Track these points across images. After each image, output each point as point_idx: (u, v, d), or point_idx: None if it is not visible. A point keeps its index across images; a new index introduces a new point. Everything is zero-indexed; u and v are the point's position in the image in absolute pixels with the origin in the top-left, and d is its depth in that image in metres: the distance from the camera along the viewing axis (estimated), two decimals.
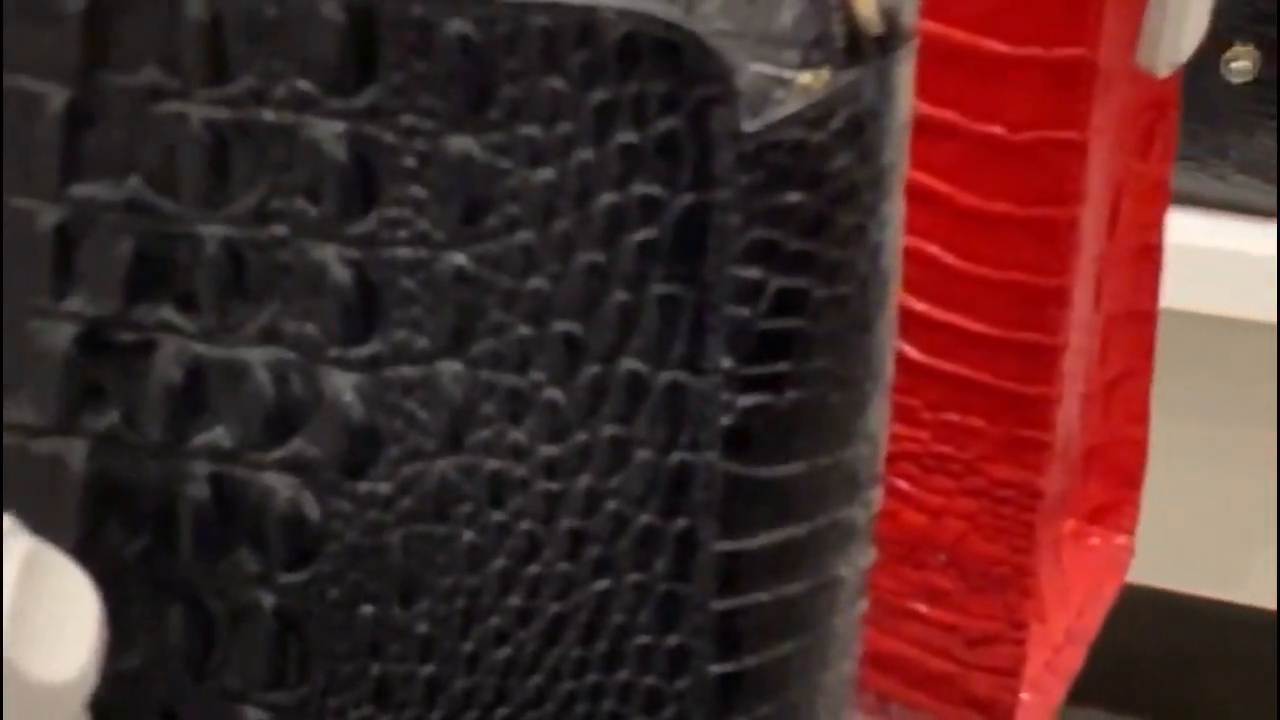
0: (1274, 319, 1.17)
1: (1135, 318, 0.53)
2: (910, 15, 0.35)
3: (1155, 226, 0.53)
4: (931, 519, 0.49)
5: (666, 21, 0.34)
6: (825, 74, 0.35)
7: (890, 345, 0.37)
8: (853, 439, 0.37)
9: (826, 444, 0.36)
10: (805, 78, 0.35)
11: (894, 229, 0.36)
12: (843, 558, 0.38)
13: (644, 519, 0.36)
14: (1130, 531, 0.55)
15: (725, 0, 0.39)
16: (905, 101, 0.36)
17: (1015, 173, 0.46)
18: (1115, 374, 0.54)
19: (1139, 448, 0.55)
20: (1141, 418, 0.54)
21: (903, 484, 0.49)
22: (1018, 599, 0.49)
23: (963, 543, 0.49)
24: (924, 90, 0.46)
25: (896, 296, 0.37)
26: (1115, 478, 0.55)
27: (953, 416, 0.48)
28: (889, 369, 0.37)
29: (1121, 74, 0.48)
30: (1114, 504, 0.55)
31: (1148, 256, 0.53)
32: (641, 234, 0.35)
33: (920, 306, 0.48)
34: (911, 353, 0.48)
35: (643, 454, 0.36)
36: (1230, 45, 1.15)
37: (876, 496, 0.38)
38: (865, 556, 0.38)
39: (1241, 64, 1.14)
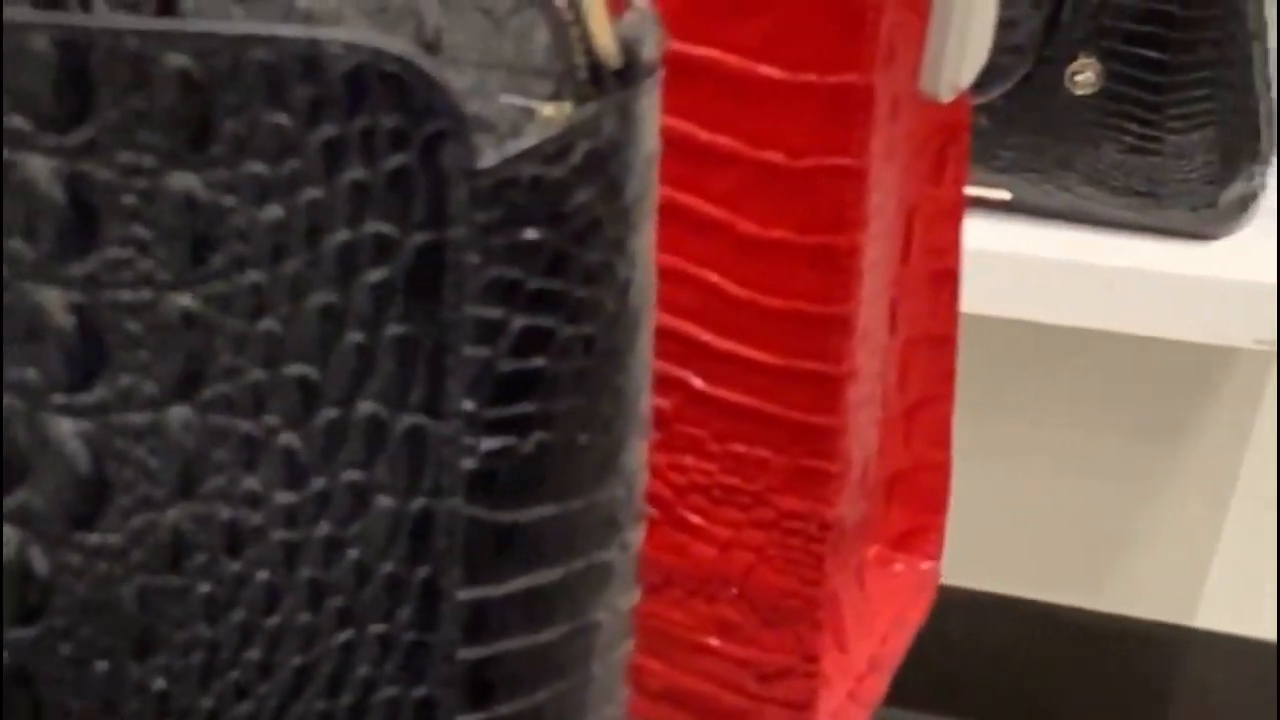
0: (1129, 328, 1.17)
1: (934, 342, 0.53)
2: (653, 47, 0.34)
3: (951, 250, 0.52)
4: (721, 552, 0.48)
5: (394, 55, 0.33)
6: (566, 107, 0.34)
7: (645, 383, 0.36)
8: (607, 480, 0.36)
9: (578, 486, 0.35)
10: (548, 110, 0.35)
11: (644, 265, 0.35)
12: (600, 601, 0.37)
13: (386, 567, 0.35)
14: (935, 557, 0.55)
15: (476, 31, 0.38)
16: (650, 134, 0.35)
17: (795, 200, 0.45)
18: (915, 399, 0.53)
19: (942, 472, 0.54)
20: (943, 442, 0.54)
21: (693, 517, 0.48)
22: (809, 631, 0.48)
23: (753, 575, 0.48)
24: (702, 116, 0.45)
25: (651, 333, 0.36)
26: (919, 503, 0.54)
27: (740, 447, 0.47)
28: (645, 407, 0.36)
29: (909, 98, 0.48)
30: (918, 530, 0.54)
31: (944, 281, 0.52)
32: (375, 274, 0.34)
33: (704, 336, 0.47)
34: (697, 383, 0.47)
35: (383, 500, 0.35)
36: (1074, 57, 1.15)
37: (636, 537, 0.37)
38: (626, 598, 0.37)
39: (1085, 76, 1.15)
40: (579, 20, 0.34)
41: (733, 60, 0.45)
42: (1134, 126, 1.15)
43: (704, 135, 0.45)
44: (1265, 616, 1.31)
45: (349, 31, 0.33)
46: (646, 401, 0.36)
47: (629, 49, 0.34)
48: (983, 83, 1.17)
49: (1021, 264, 1.19)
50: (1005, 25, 1.18)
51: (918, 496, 0.54)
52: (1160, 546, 1.33)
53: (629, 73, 0.34)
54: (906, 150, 0.50)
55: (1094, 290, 1.15)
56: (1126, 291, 1.14)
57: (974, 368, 1.35)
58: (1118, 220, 1.17)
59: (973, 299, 1.17)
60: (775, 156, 0.45)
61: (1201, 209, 1.16)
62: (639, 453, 0.36)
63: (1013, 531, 1.35)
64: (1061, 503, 1.33)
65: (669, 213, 0.46)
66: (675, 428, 0.47)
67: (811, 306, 0.46)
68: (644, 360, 0.36)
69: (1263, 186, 1.19)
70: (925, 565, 0.54)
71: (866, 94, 0.45)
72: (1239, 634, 1.33)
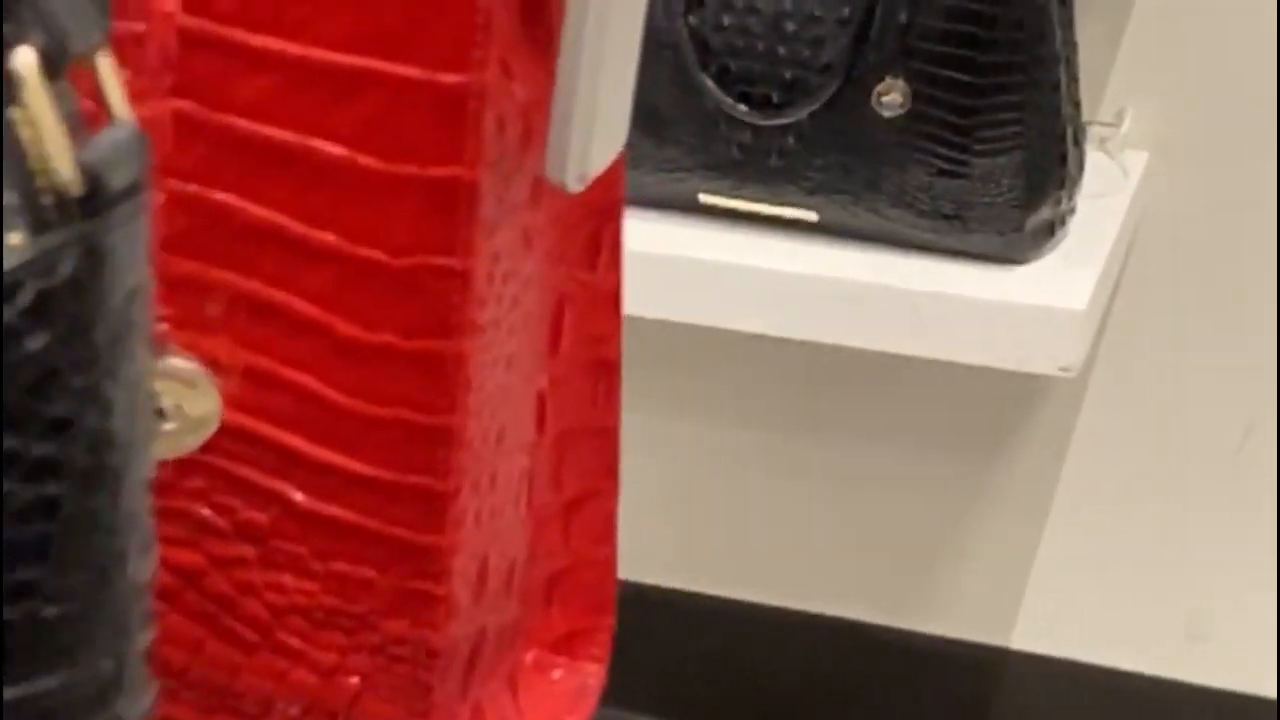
0: (933, 353, 1.15)
1: (594, 434, 0.49)
2: (131, 172, 0.31)
3: (610, 339, 0.49)
4: (324, 679, 0.45)
5: None
6: (16, 238, 0.30)
7: (141, 541, 0.32)
8: (86, 656, 0.32)
9: (48, 664, 0.31)
10: (14, 239, 0.31)
11: (126, 412, 0.32)
12: None
13: None
14: (602, 660, 0.51)
15: None
16: (130, 267, 0.31)
17: (397, 301, 0.42)
18: (574, 495, 0.50)
19: (606, 569, 0.51)
20: (607, 538, 0.50)
21: (293, 640, 0.44)
22: None
23: (358, 705, 0.44)
24: (297, 209, 0.42)
25: (145, 485, 0.32)
26: (583, 603, 0.51)
27: (342, 567, 0.44)
28: (142, 568, 0.32)
29: (549, 184, 0.44)
30: (583, 631, 0.51)
31: (604, 371, 0.49)
32: None
33: (302, 446, 0.43)
34: (296, 497, 0.43)
35: None
36: (882, 78, 1.12)
37: (136, 712, 0.33)
38: None
39: (892, 97, 1.12)
40: (38, 140, 0.30)
41: (331, 149, 0.41)
42: (942, 149, 1.13)
43: (298, 229, 0.42)
44: (1082, 638, 1.30)
45: None
46: (144, 561, 0.32)
47: (95, 175, 0.30)
48: (789, 102, 1.15)
49: (827, 286, 1.16)
50: (812, 44, 1.15)
51: (581, 596, 0.51)
52: (976, 568, 1.31)
53: (95, 202, 0.30)
54: (554, 235, 0.47)
55: (899, 315, 1.12)
56: (932, 316, 1.12)
57: (783, 387, 1.33)
58: (925, 243, 1.14)
59: (778, 321, 1.14)
60: (375, 254, 0.42)
61: (1008, 233, 1.14)
62: (135, 620, 0.33)
63: (829, 552, 1.33)
64: (876, 524, 1.31)
65: (260, 311, 0.42)
66: (273, 544, 0.44)
67: (416, 416, 0.42)
68: (136, 517, 0.32)
69: (1071, 211, 1.17)
70: (589, 669, 0.51)
71: (471, 189, 0.41)
72: (1055, 655, 1.32)
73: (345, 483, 0.43)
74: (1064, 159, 1.12)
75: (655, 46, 1.12)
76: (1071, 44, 1.13)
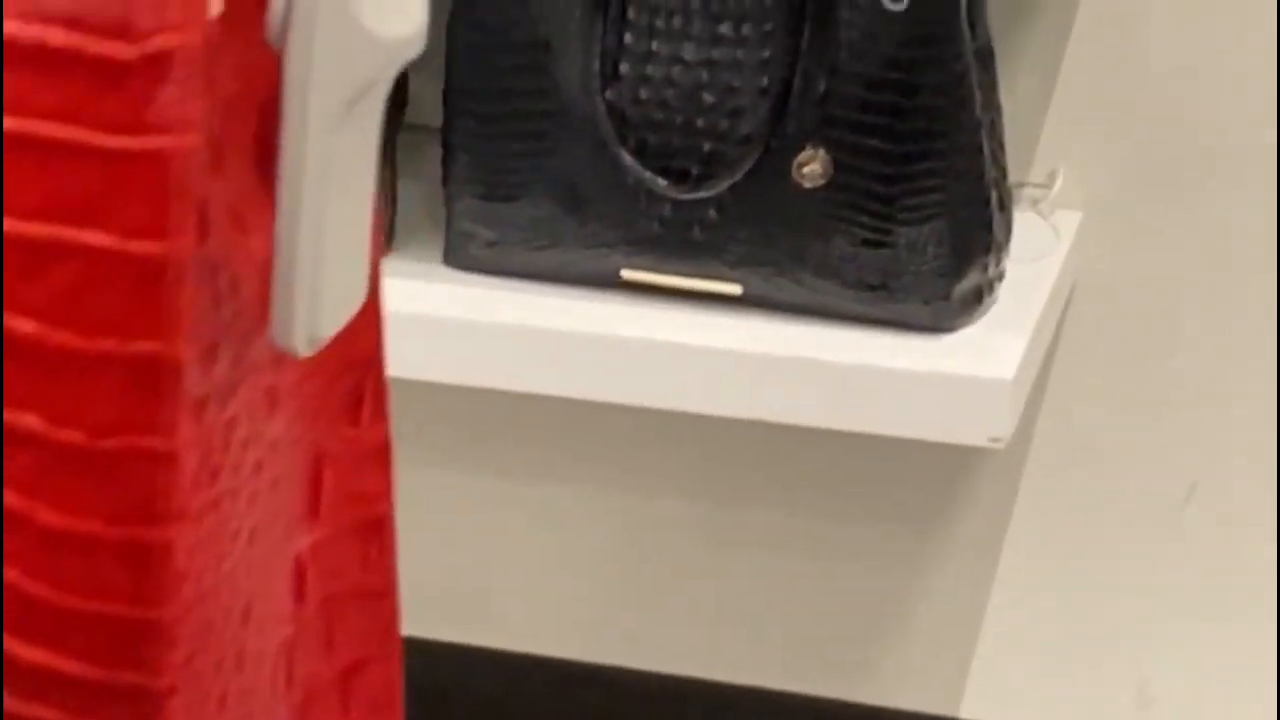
0: (860, 427, 1.12)
1: (366, 598, 0.47)
2: None
3: (382, 497, 0.46)
4: None
5: None
6: None
7: None
8: None
9: None
10: None
11: None
12: None
13: None
14: None
15: None
16: None
17: (100, 487, 0.39)
18: (348, 663, 0.47)
19: None
20: (390, 707, 0.47)
21: None
22: None
23: None
24: None
25: None
26: None
27: None
28: None
29: None
30: None
31: (374, 530, 0.46)
32: None
33: (6, 643, 0.40)
34: (4, 700, 0.41)
35: None
36: (802, 149, 1.09)
37: None
38: None
39: (813, 168, 1.09)
40: None
41: (24, 324, 0.39)
42: (865, 219, 1.10)
43: None
44: (1031, 707, 1.27)
45: None
46: None
47: None
48: (709, 174, 1.12)
49: (751, 362, 1.13)
50: (731, 115, 1.12)
51: None
52: (923, 637, 1.28)
53: None
54: (309, 391, 0.44)
55: (824, 389, 1.10)
56: (857, 390, 1.09)
57: (725, 461, 1.31)
58: (851, 314, 1.11)
59: (703, 398, 1.11)
60: (75, 436, 0.39)
61: (935, 302, 1.11)
62: None
63: (773, 624, 1.30)
64: (821, 595, 1.28)
65: None
66: None
67: (124, 610, 0.39)
68: None
69: (999, 276, 1.14)
70: None
71: (172, 366, 0.38)
72: None
73: (53, 683, 0.40)
74: (990, 225, 1.09)
75: (573, 121, 1.09)
76: (995, 108, 1.11)
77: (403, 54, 0.40)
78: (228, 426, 0.41)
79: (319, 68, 0.38)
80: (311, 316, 0.40)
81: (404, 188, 1.16)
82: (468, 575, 1.32)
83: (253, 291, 0.41)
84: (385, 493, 0.46)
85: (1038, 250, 1.18)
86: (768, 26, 1.08)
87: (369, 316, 0.44)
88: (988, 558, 1.27)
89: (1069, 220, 1.19)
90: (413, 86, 1.20)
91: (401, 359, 1.11)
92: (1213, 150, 1.16)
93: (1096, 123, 1.18)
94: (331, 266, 0.40)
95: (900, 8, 1.06)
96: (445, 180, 1.13)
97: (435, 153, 1.12)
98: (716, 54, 1.10)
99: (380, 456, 0.46)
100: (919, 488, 1.27)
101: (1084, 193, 1.19)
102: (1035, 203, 1.20)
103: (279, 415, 0.42)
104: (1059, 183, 1.19)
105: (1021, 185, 1.22)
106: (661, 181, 1.11)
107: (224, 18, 0.39)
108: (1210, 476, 1.20)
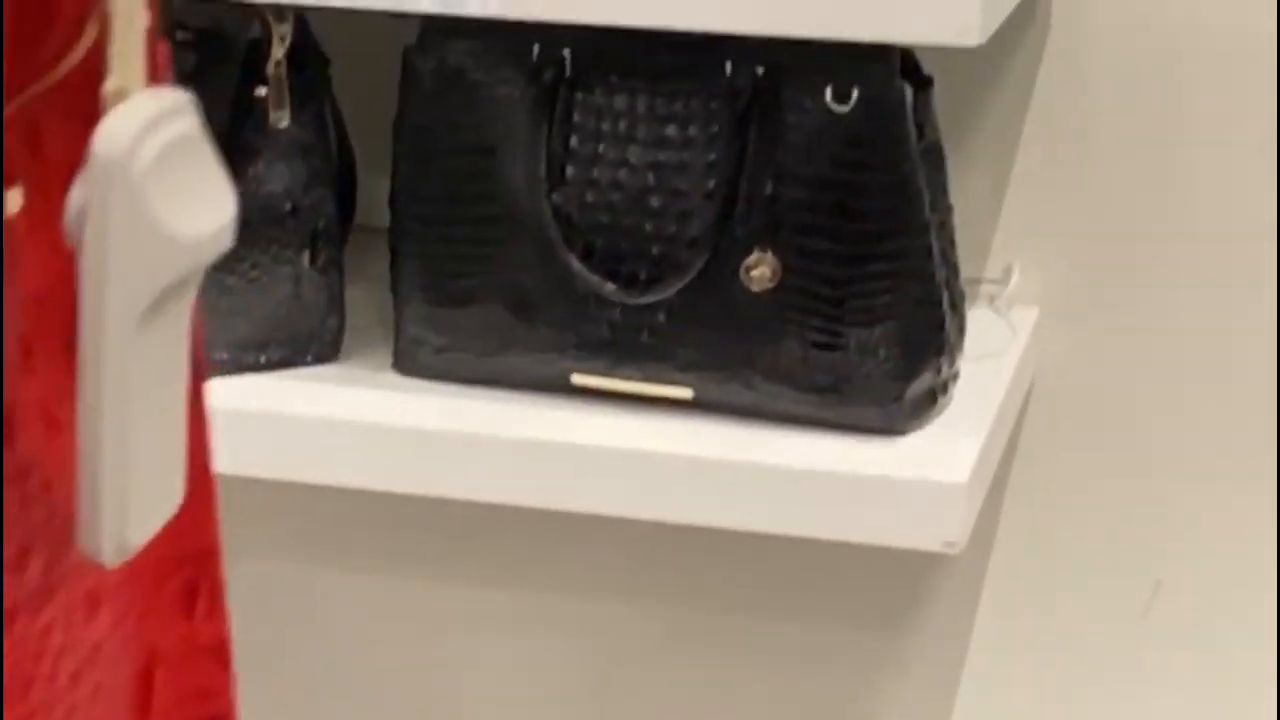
0: (812, 532, 1.10)
1: None
2: None
3: (219, 693, 0.44)
4: None
5: None
6: None
7: None
8: None
9: None
10: None
11: None
12: None
13: None
14: None
15: None
16: None
17: None
18: None
19: None
20: None
21: None
22: None
23: None
24: None
25: None
26: None
27: None
28: None
29: None
30: None
31: None
32: None
33: None
34: None
35: None
36: (750, 252, 1.08)
37: None
38: None
39: (761, 271, 1.08)
40: None
41: None
42: (815, 321, 1.08)
43: None
44: None
45: None
46: None
47: None
48: (658, 278, 1.10)
49: (701, 467, 1.11)
50: (678, 219, 1.11)
51: None
52: None
53: None
54: (135, 590, 0.42)
55: (775, 493, 1.08)
56: (809, 495, 1.07)
57: (683, 565, 1.29)
58: (803, 417, 1.09)
59: (654, 505, 1.09)
60: None
61: (888, 404, 1.09)
62: None
63: None
64: (784, 700, 1.26)
65: None
66: None
67: None
68: None
69: (953, 377, 1.12)
70: None
71: None
72: None
73: None
74: (942, 326, 1.07)
75: (520, 226, 1.08)
76: (945, 207, 1.09)
77: (210, 250, 0.38)
78: (41, 635, 0.40)
79: (115, 269, 0.37)
80: (119, 525, 0.38)
81: (353, 290, 1.14)
82: (436, 682, 1.30)
83: (67, 491, 0.40)
84: (224, 689, 0.45)
85: (994, 347, 1.16)
86: (713, 129, 1.07)
87: (204, 509, 0.43)
88: (953, 661, 1.25)
89: (1026, 316, 1.17)
90: (367, 186, 1.19)
91: (354, 468, 1.10)
92: (1169, 244, 1.15)
93: (1052, 218, 1.17)
94: (139, 472, 0.38)
95: (845, 109, 1.04)
96: (394, 285, 1.12)
97: (385, 254, 1.11)
98: (663, 156, 1.08)
99: (216, 652, 0.44)
100: (881, 592, 1.25)
101: (1040, 288, 1.18)
102: (991, 299, 1.19)
103: (101, 617, 0.41)
104: (1014, 278, 1.18)
105: (977, 281, 1.20)
106: (610, 286, 1.09)
107: (26, 214, 0.38)
108: (1175, 573, 1.18)
